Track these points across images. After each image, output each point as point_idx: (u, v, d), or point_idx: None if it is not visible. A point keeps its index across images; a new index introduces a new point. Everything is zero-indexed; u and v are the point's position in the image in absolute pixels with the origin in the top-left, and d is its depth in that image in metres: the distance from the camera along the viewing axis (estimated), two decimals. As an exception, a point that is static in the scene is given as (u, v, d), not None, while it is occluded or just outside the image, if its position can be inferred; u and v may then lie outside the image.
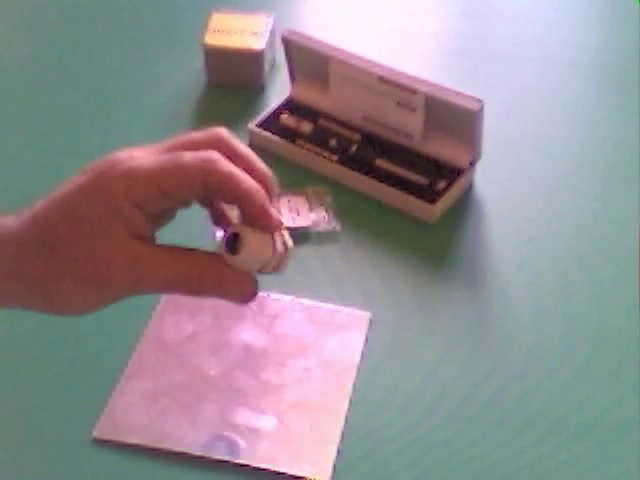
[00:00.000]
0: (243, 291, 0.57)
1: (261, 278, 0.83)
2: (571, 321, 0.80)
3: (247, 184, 0.55)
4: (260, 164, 0.58)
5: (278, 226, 0.56)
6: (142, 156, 0.55)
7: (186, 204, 0.58)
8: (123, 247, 0.54)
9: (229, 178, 0.54)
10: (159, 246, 0.56)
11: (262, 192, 0.56)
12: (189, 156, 0.54)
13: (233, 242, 0.56)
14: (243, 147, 0.58)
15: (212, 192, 0.55)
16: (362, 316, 0.81)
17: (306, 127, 0.95)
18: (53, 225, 0.55)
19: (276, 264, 0.59)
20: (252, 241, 0.56)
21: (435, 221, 0.89)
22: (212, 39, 1.01)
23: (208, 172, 0.54)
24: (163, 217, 0.58)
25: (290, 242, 0.60)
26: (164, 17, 1.14)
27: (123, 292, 0.55)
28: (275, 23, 1.05)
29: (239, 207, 0.56)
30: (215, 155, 0.55)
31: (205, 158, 0.54)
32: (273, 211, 0.56)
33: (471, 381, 0.76)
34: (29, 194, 0.90)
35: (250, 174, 0.57)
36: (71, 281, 0.55)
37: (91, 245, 0.54)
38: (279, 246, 0.58)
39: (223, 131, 0.58)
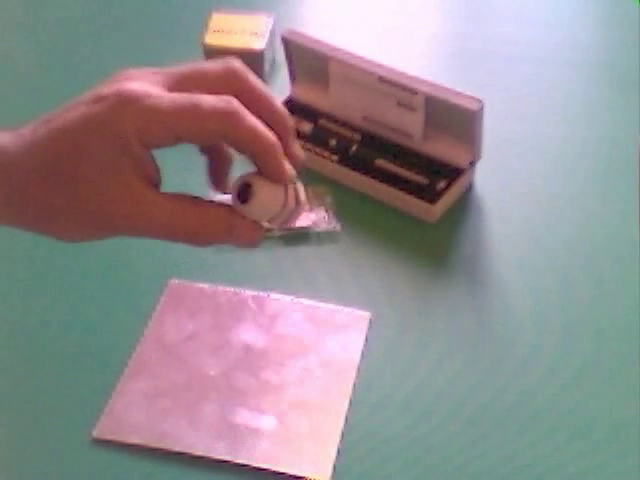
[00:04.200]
0: (251, 236, 0.56)
1: (260, 278, 0.83)
2: (571, 321, 0.80)
3: (267, 140, 0.53)
4: (276, 102, 0.56)
5: (290, 179, 0.55)
6: (157, 95, 0.53)
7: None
8: (129, 188, 0.53)
9: (250, 134, 0.53)
10: (165, 193, 0.54)
11: (278, 145, 0.54)
12: (209, 104, 0.52)
13: (244, 192, 0.55)
14: (259, 84, 0.56)
15: (229, 143, 0.53)
16: (362, 316, 0.81)
17: (306, 127, 0.95)
18: (58, 158, 0.53)
19: (286, 218, 0.58)
20: (263, 192, 0.55)
21: (435, 221, 0.89)
22: (212, 39, 1.01)
23: (229, 125, 0.52)
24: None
25: (302, 196, 0.58)
26: (164, 17, 1.14)
27: (121, 232, 0.54)
28: (275, 23, 1.05)
29: (252, 159, 0.54)
30: (236, 105, 0.53)
31: (227, 110, 0.52)
32: (286, 164, 0.55)
33: (471, 381, 0.76)
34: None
35: (265, 112, 0.55)
36: (72, 217, 0.54)
37: (97, 184, 0.53)
38: (290, 199, 0.57)
39: (238, 65, 0.55)
